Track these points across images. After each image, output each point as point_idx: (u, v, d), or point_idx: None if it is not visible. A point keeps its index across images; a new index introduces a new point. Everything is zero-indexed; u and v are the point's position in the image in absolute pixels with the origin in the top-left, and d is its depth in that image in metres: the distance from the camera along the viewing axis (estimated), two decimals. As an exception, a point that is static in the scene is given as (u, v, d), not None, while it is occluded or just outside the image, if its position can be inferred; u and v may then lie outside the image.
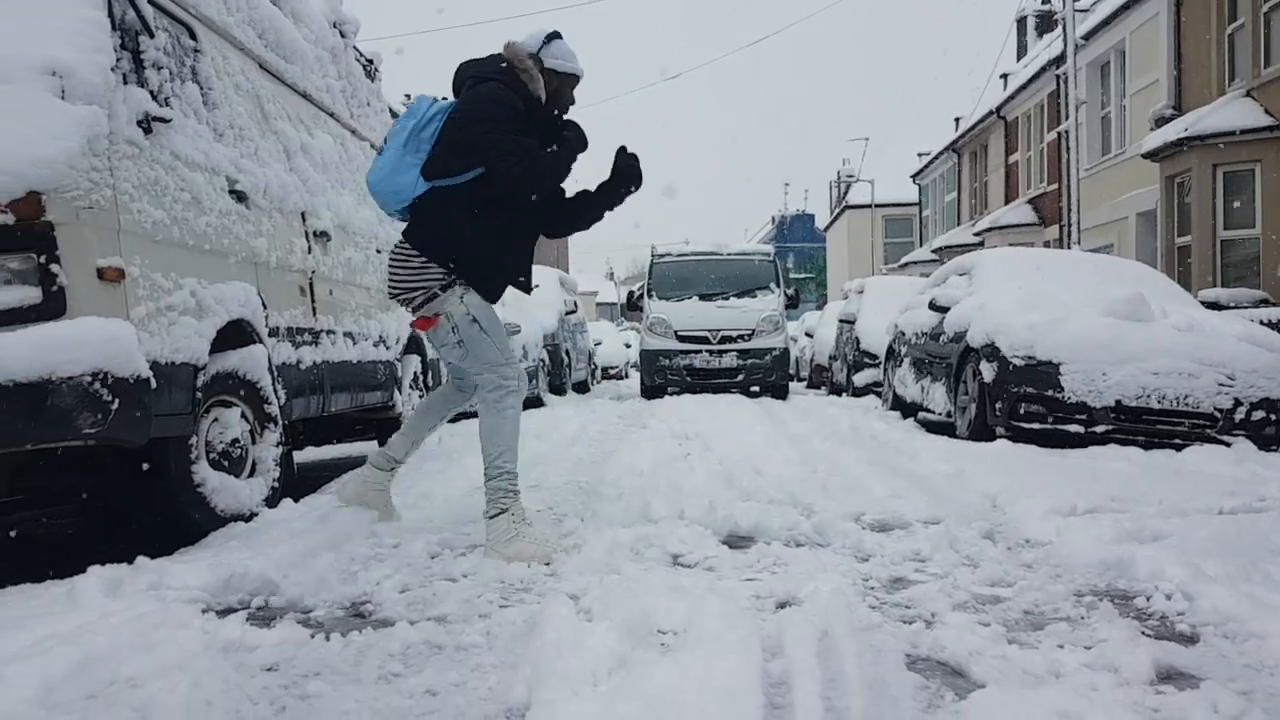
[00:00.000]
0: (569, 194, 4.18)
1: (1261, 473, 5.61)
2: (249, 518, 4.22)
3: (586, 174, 4.20)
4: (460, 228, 3.77)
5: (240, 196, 4.49)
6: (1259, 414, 6.83)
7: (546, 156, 3.80)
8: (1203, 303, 9.33)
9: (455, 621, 2.80)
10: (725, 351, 14.49)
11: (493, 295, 3.91)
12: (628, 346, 28.69)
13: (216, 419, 4.22)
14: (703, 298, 14.97)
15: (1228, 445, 6.56)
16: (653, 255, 16.02)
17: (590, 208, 4.18)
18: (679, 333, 14.59)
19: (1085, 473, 5.57)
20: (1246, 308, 11.57)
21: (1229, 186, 13.89)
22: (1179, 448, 6.49)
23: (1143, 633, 2.70)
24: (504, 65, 3.84)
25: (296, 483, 4.94)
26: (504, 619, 2.78)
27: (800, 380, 22.23)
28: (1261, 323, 9.06)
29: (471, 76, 3.85)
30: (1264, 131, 13.23)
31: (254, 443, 4.46)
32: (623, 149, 4.12)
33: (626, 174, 4.09)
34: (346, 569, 3.45)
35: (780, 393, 14.69)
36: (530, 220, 3.97)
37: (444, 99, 3.94)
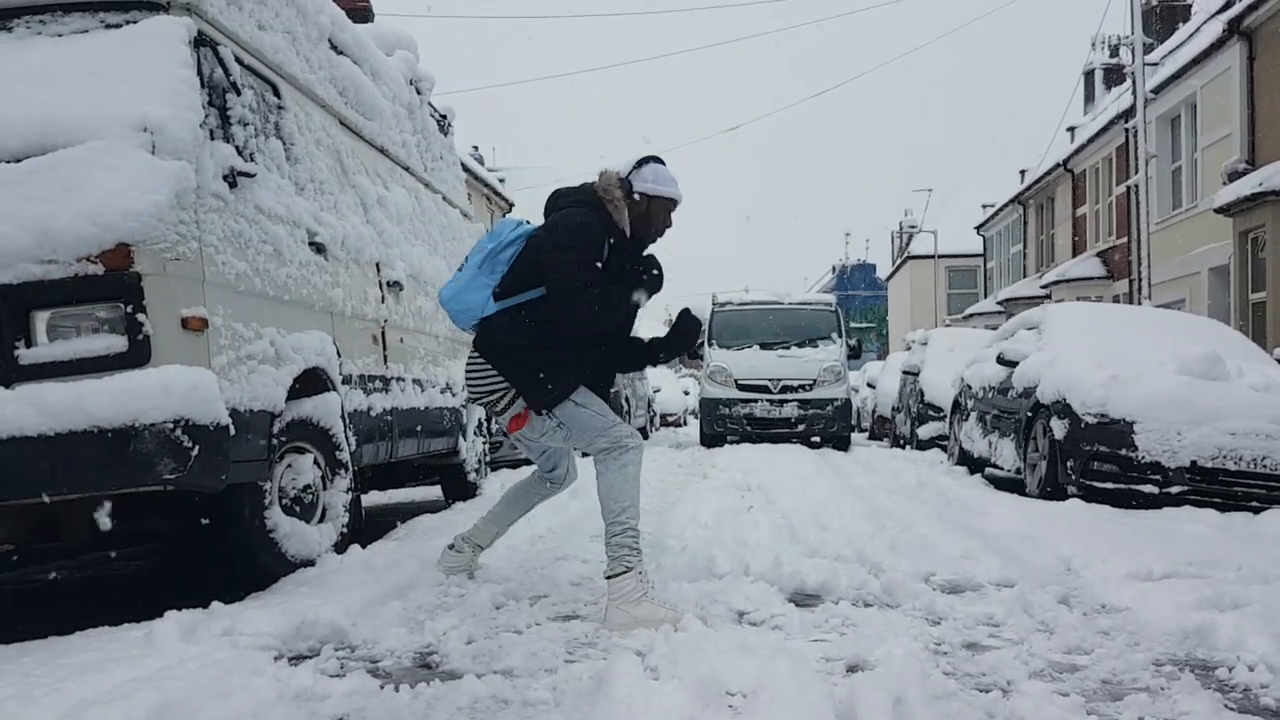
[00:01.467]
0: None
1: (1346, 539, 5.41)
2: (318, 563, 4.27)
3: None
4: (527, 343, 3.70)
5: (319, 248, 4.60)
6: (1341, 477, 6.60)
7: (616, 296, 3.70)
8: (1278, 361, 9.07)
9: (522, 675, 2.80)
10: (786, 401, 14.41)
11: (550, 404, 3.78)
12: (686, 394, 28.67)
13: (290, 465, 4.30)
14: (763, 346, 14.94)
15: (1309, 510, 6.34)
16: (713, 304, 16.04)
17: (642, 355, 4.18)
18: (739, 381, 14.55)
19: (1161, 535, 5.42)
20: (1327, 366, 11.23)
21: (1306, 242, 13.58)
22: (1257, 510, 6.29)
23: (1226, 705, 2.62)
24: (591, 200, 3.78)
25: (364, 529, 5.00)
26: (570, 674, 2.77)
27: (862, 431, 21.97)
28: (1344, 382, 8.78)
29: (563, 205, 3.82)
30: (1343, 186, 12.94)
31: (325, 488, 4.53)
32: (686, 311, 4.10)
33: (685, 338, 4.09)
34: (413, 618, 3.48)
35: (842, 444, 14.54)
36: (597, 355, 3.86)
37: (528, 223, 3.90)
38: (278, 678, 2.75)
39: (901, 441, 15.91)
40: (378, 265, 5.32)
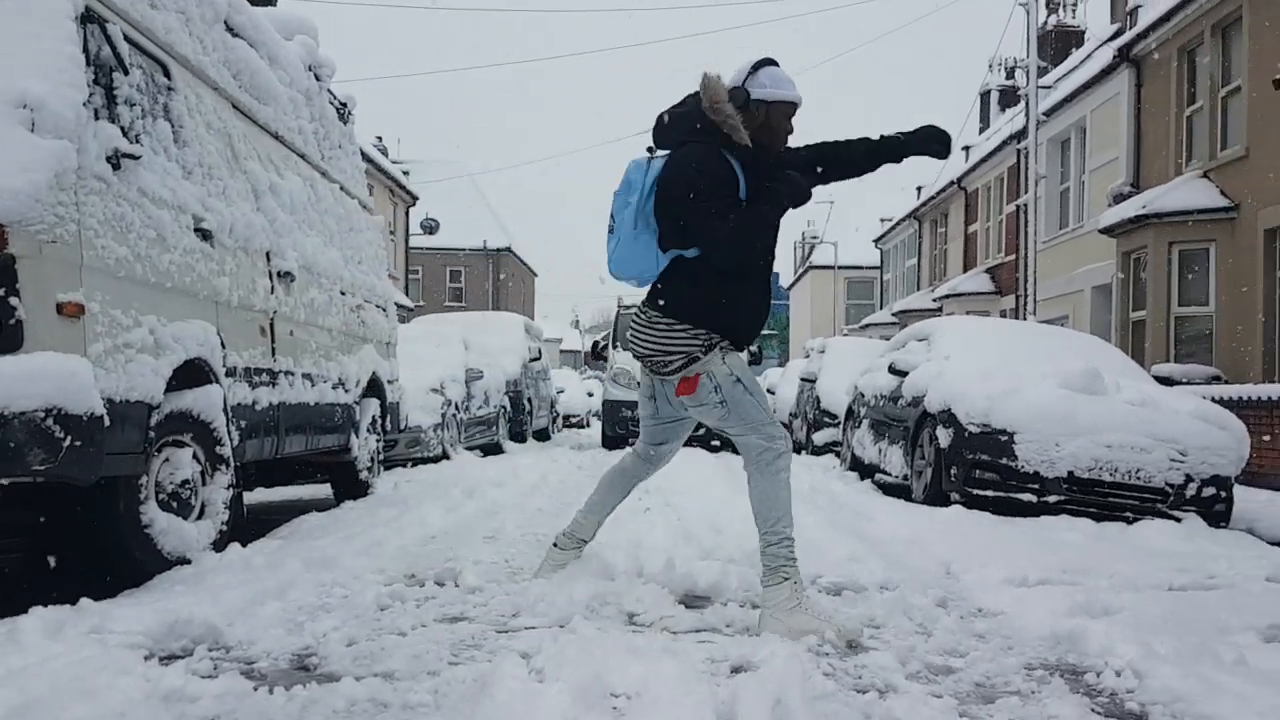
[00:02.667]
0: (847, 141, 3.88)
1: (1211, 549, 5.68)
2: (195, 561, 4.13)
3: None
4: (710, 294, 3.63)
5: (206, 235, 4.46)
6: (1209, 491, 6.94)
7: (750, 217, 3.58)
8: (1156, 378, 9.48)
9: (403, 678, 2.74)
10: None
11: (743, 347, 3.76)
12: (590, 395, 28.66)
13: (168, 459, 4.16)
14: None
15: (1178, 520, 6.65)
16: (619, 306, 16.07)
17: (870, 156, 3.87)
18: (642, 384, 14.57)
19: (1038, 542, 5.61)
20: (1199, 384, 11.78)
21: (1184, 264, 14.21)
22: (1130, 521, 6.57)
23: (1093, 709, 2.71)
24: (700, 126, 3.61)
25: (246, 526, 4.86)
26: (453, 677, 2.73)
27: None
28: (1213, 400, 9.24)
29: (675, 138, 3.68)
30: (1219, 212, 13.58)
31: (204, 484, 4.39)
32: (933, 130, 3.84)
33: (929, 137, 3.81)
34: (293, 618, 3.38)
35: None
36: (765, 272, 3.79)
37: (649, 158, 3.73)
38: (147, 677, 2.64)
39: (798, 447, 16.18)
40: (268, 255, 5.18)
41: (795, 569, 3.56)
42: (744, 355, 3.85)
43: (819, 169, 3.84)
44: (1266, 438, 9.59)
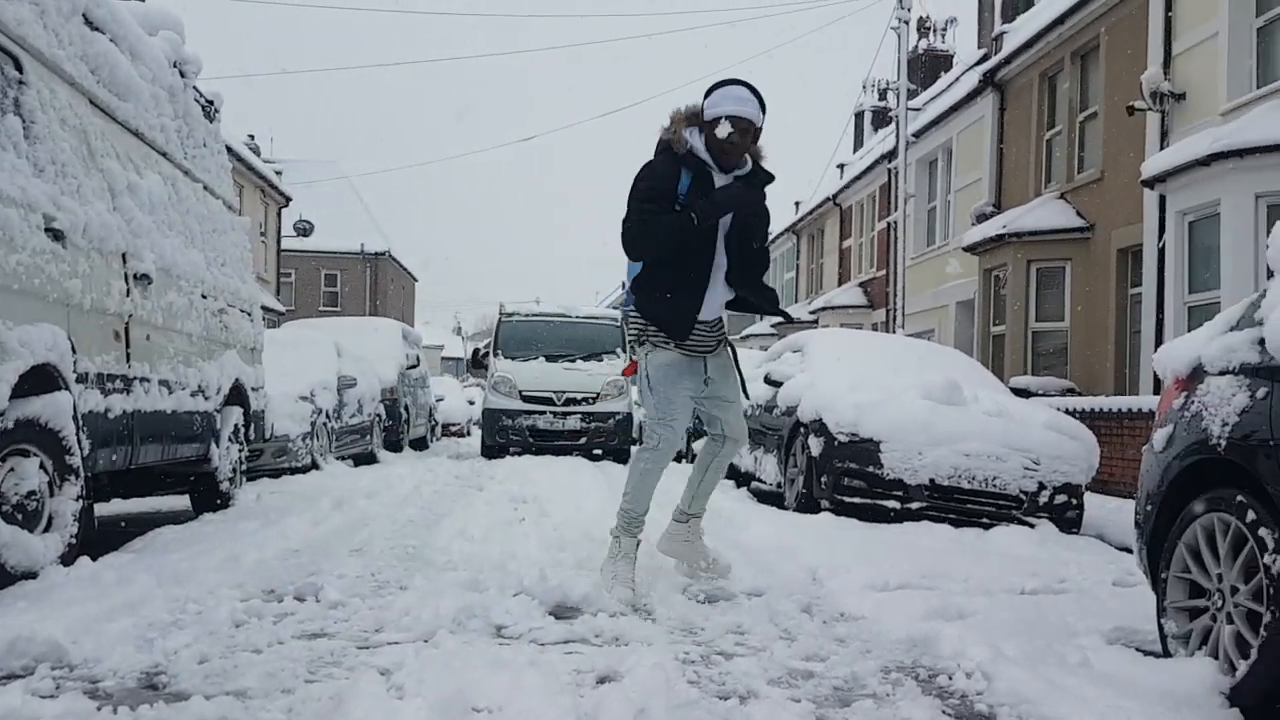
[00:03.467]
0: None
1: (1062, 555, 5.95)
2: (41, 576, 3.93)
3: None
4: (645, 288, 4.30)
5: (57, 235, 4.25)
6: (1061, 498, 7.27)
7: (658, 219, 4.11)
8: (1013, 390, 9.92)
9: (256, 696, 2.65)
10: (569, 414, 14.49)
11: (677, 341, 4.32)
12: (471, 404, 28.32)
13: (13, 469, 3.95)
14: (549, 359, 14.97)
15: (1032, 526, 6.95)
16: (501, 313, 15.97)
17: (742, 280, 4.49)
18: (524, 393, 14.52)
19: (900, 548, 5.79)
20: (1053, 396, 12.35)
21: (1041, 281, 14.89)
22: (987, 527, 6.83)
23: (944, 711, 2.81)
24: (662, 140, 4.24)
25: (97, 538, 4.65)
26: (309, 695, 2.65)
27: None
28: (1067, 411, 9.69)
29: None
30: (1075, 232, 14.27)
31: (52, 495, 4.18)
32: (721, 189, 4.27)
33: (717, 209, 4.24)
34: (143, 635, 3.24)
35: (622, 457, 14.73)
36: (696, 274, 4.29)
37: None
38: (-19, 699, 2.50)
39: (679, 456, 16.31)
40: (124, 256, 4.97)
41: (626, 536, 4.32)
42: (673, 353, 4.36)
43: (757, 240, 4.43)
44: (1131, 451, 10.10)
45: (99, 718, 2.44)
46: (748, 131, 4.15)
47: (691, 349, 4.38)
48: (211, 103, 7.14)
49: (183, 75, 6.43)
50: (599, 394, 14.61)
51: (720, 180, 4.22)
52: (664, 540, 4.66)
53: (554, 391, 14.54)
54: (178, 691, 2.70)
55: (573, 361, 14.99)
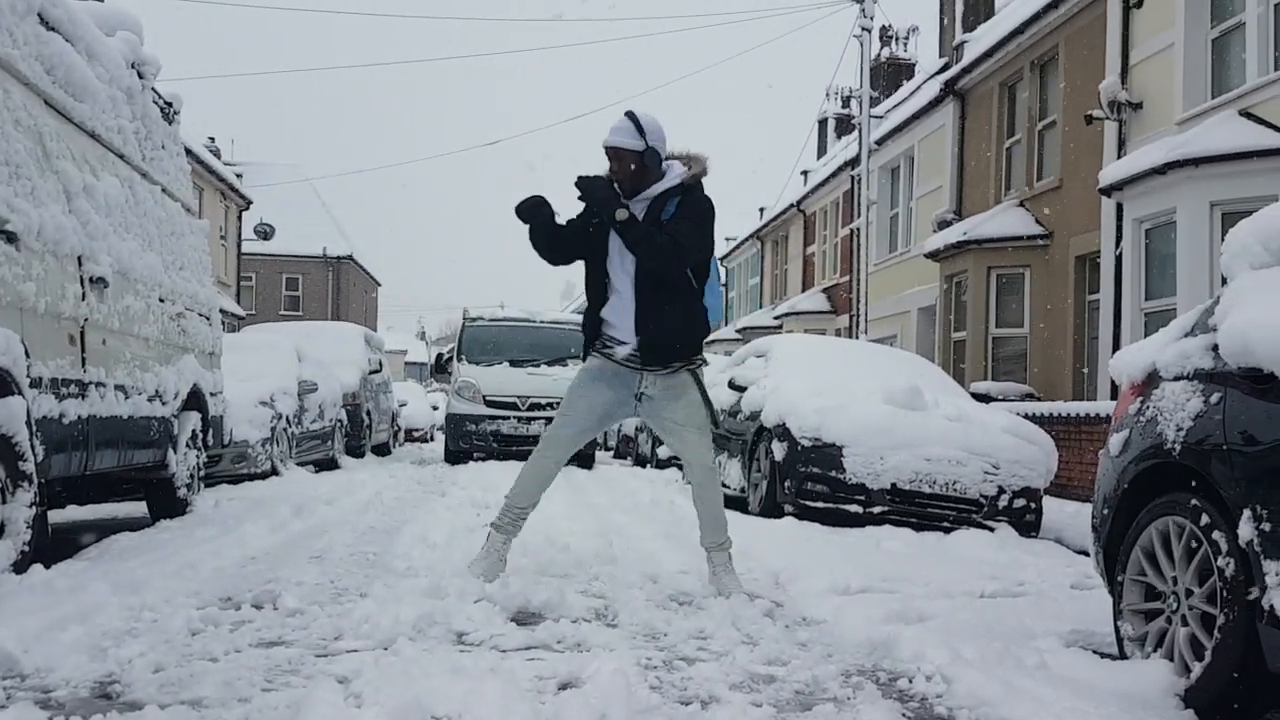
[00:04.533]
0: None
1: (1021, 558, 6.01)
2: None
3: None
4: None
5: (10, 237, 4.17)
6: (1020, 502, 7.35)
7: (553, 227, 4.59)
8: (973, 395, 10.00)
9: (212, 706, 2.62)
10: (534, 419, 14.43)
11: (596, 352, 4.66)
12: (435, 409, 28.16)
13: (-38, 476, 3.86)
14: (513, 364, 14.92)
15: (991, 530, 7.02)
16: (465, 318, 15.89)
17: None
18: (488, 398, 14.45)
19: (862, 552, 5.83)
20: (1013, 401, 12.48)
21: (1001, 288, 15.06)
22: (948, 530, 6.89)
23: (903, 714, 2.83)
24: None
25: (51, 546, 4.56)
26: (265, 703, 2.62)
27: (607, 450, 22.35)
28: (1026, 416, 9.81)
29: None
30: (1034, 239, 14.45)
31: (4, 502, 4.10)
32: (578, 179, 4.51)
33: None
34: (97, 644, 3.19)
35: (586, 462, 14.71)
36: (599, 287, 4.59)
37: None
38: (-73, 711, 2.45)
39: (643, 460, 16.31)
40: (80, 259, 4.89)
41: (501, 528, 4.56)
42: (600, 361, 4.61)
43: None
44: (1089, 455, 10.22)
45: (50, 728, 2.39)
46: (618, 158, 4.39)
47: (621, 362, 4.52)
48: (170, 104, 7.05)
49: (141, 76, 6.34)
50: (563, 399, 14.57)
51: (636, 208, 4.40)
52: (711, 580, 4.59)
53: (518, 396, 14.49)
54: (132, 701, 2.66)
55: (537, 366, 14.94)
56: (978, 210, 16.35)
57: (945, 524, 7.18)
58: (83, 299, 4.93)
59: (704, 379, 4.62)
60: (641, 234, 4.31)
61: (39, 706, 2.56)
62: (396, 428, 20.22)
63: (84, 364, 4.94)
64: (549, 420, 15.30)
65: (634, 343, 4.47)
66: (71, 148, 5.09)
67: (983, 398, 9.83)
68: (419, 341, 72.57)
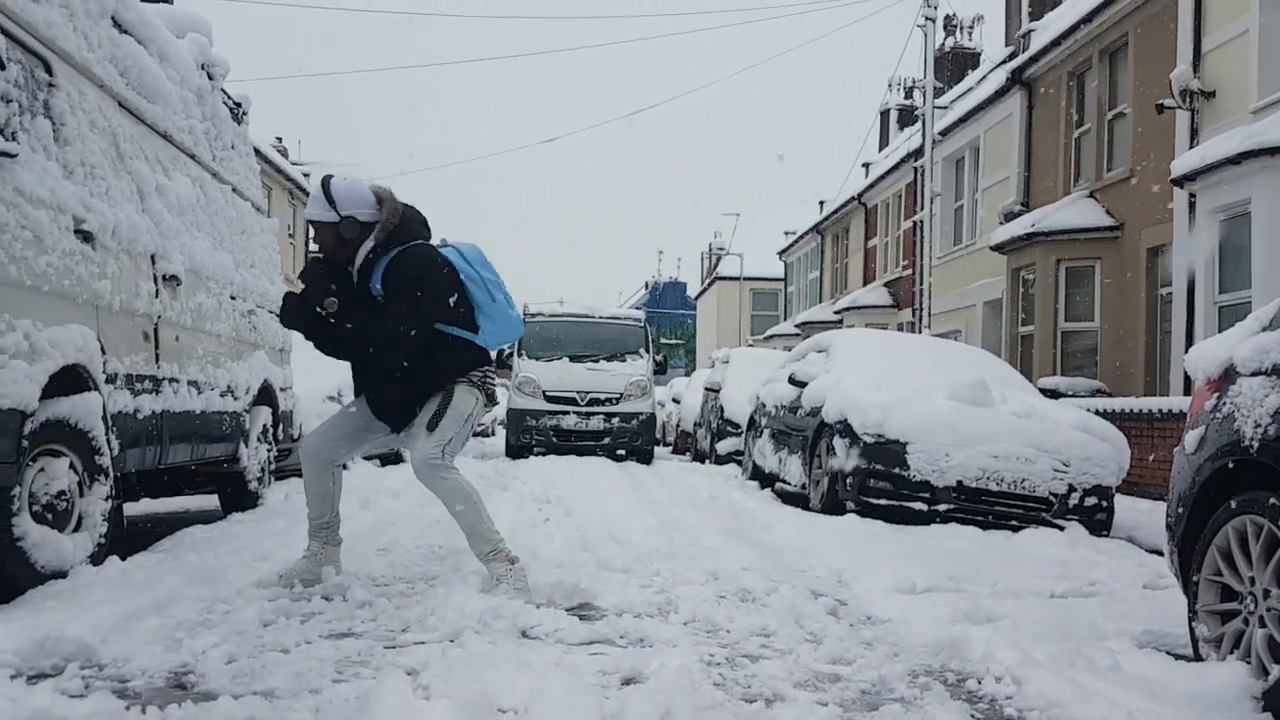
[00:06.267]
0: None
1: (1092, 557, 5.89)
2: (70, 575, 3.96)
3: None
4: None
5: (86, 237, 4.29)
6: (1091, 500, 7.19)
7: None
8: (1042, 390, 9.82)
9: (283, 696, 2.67)
10: (593, 414, 14.52)
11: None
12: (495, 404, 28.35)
13: (43, 469, 3.97)
14: (573, 359, 15.02)
15: (1061, 529, 6.88)
16: (525, 314, 15.99)
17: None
18: (547, 393, 14.56)
19: (927, 550, 5.75)
20: (1083, 397, 12.23)
21: (1070, 281, 14.75)
22: (1015, 529, 6.77)
23: (972, 716, 2.79)
24: None
25: (126, 538, 4.69)
26: (336, 695, 2.66)
27: (666, 445, 22.37)
28: (1096, 412, 9.60)
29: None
30: (1104, 231, 14.14)
31: (82, 495, 4.21)
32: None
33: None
34: (171, 635, 3.27)
35: (645, 457, 14.76)
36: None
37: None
38: (12, 698, 2.52)
39: (702, 456, 16.30)
40: (153, 257, 5.01)
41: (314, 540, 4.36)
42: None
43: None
44: (1152, 457, 9.98)
45: (128, 717, 2.45)
46: (318, 231, 4.18)
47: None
48: (239, 105, 7.19)
49: (210, 77, 6.47)
50: (622, 394, 14.64)
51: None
52: None
53: (577, 392, 14.58)
54: (206, 691, 2.72)
55: (596, 362, 15.02)
56: (1045, 201, 16.04)
57: (1013, 522, 7.06)
58: (156, 296, 5.05)
59: (462, 394, 4.25)
60: (352, 337, 4.16)
61: (116, 696, 2.62)
62: (459, 423, 20.38)
63: (158, 360, 5.06)
64: (607, 415, 15.43)
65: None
66: (144, 148, 5.21)
67: (1052, 393, 9.66)
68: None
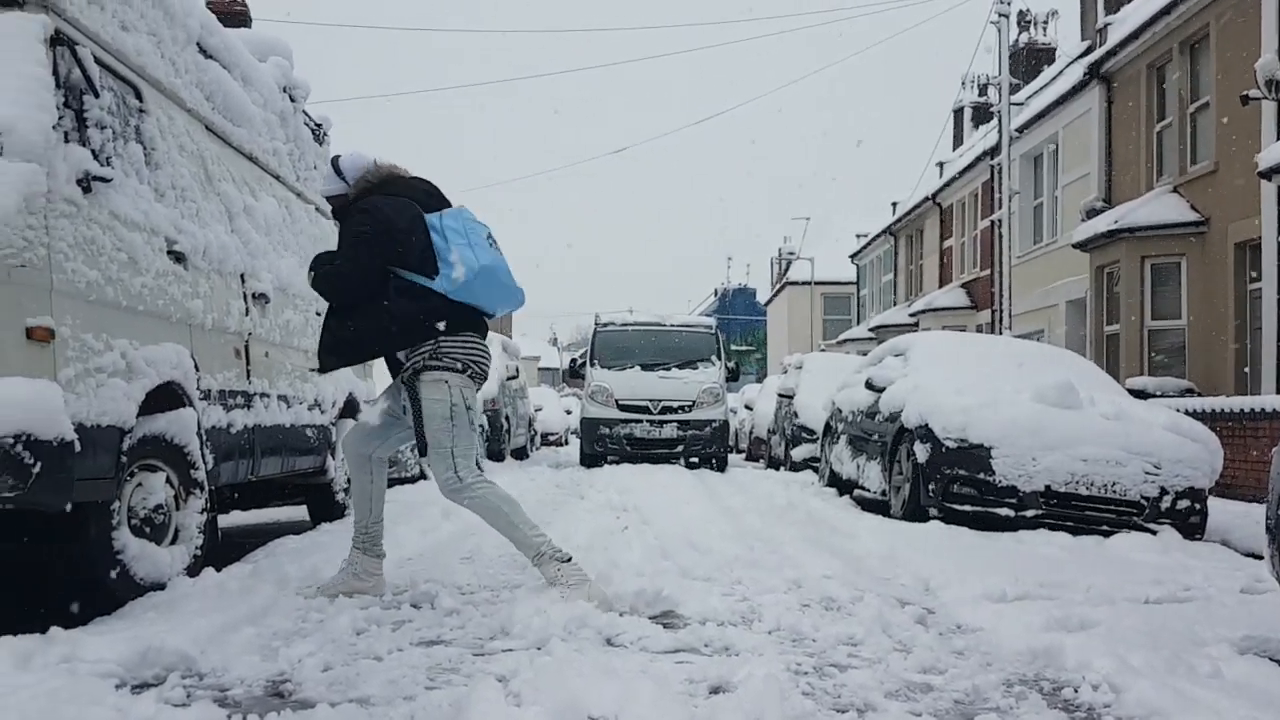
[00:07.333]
0: None
1: (1186, 562, 5.72)
2: (168, 587, 4.08)
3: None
4: None
5: (179, 257, 4.43)
6: (1184, 503, 6.98)
7: None
8: (1130, 391, 9.56)
9: (378, 704, 2.71)
10: (666, 422, 14.53)
11: None
12: (568, 413, 28.61)
13: (141, 484, 4.11)
14: (645, 367, 15.05)
15: (1154, 533, 6.69)
16: (596, 324, 16.10)
17: None
18: (620, 402, 14.62)
19: (1015, 557, 5.63)
20: (1172, 397, 11.88)
21: (1156, 278, 14.36)
22: (1106, 534, 6.61)
23: (1070, 725, 2.72)
24: None
25: (220, 550, 4.81)
26: (429, 702, 2.70)
27: (739, 453, 22.29)
28: (1186, 412, 9.32)
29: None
30: (1189, 226, 13.74)
31: (178, 508, 4.34)
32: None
33: None
34: (267, 644, 3.35)
35: (719, 465, 14.72)
36: None
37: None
38: (118, 707, 2.61)
39: (776, 463, 16.20)
40: (242, 276, 5.15)
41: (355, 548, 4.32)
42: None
43: None
44: (1255, 453, 9.66)
45: (230, 725, 2.51)
46: (332, 205, 4.50)
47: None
48: (320, 126, 7.36)
49: (292, 100, 6.64)
50: (694, 402, 14.62)
51: None
52: None
53: (650, 400, 14.60)
54: (303, 700, 2.78)
55: (668, 370, 15.03)
56: (1128, 197, 15.64)
57: (1103, 527, 6.89)
58: (246, 314, 5.19)
59: (428, 392, 4.13)
60: (312, 278, 4.36)
61: (217, 704, 2.69)
62: (533, 432, 20.60)
63: (249, 376, 5.20)
64: (681, 423, 15.42)
65: None
66: (232, 170, 5.36)
67: (1140, 394, 9.39)
68: (551, 347, 73.78)
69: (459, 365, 4.18)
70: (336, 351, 4.33)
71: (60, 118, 3.65)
